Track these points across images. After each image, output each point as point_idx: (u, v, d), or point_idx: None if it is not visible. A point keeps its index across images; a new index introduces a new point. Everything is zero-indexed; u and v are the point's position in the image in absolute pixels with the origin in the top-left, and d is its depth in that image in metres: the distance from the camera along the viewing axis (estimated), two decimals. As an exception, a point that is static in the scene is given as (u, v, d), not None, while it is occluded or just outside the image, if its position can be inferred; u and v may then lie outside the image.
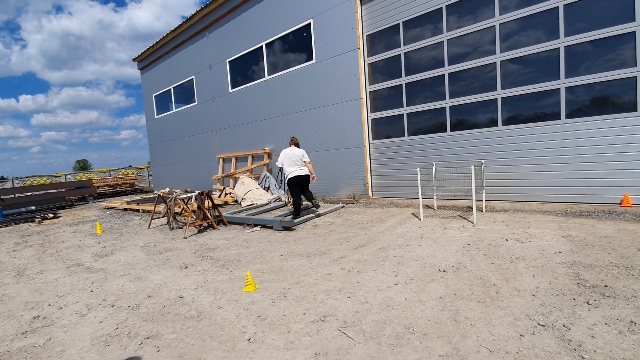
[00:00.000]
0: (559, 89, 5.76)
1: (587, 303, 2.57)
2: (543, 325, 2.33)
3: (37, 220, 9.53)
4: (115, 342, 2.54)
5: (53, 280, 4.20)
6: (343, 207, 7.67)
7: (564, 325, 2.30)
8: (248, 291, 3.28)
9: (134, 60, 16.42)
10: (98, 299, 3.44)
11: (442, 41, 6.82)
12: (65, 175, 20.27)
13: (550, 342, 2.14)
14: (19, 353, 2.48)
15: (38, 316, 3.12)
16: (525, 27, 6.01)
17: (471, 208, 6.09)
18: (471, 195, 5.17)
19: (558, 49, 5.71)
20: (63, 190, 14.37)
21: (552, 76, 5.82)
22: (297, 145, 6.70)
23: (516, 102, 6.20)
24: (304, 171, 6.39)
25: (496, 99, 6.35)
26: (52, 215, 10.30)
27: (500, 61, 6.24)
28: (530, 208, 5.81)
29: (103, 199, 16.00)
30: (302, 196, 6.53)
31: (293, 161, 6.36)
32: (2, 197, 11.43)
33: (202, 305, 3.05)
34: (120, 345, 2.48)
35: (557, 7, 5.61)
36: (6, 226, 9.22)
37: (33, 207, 11.79)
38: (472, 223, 5.11)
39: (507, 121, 6.33)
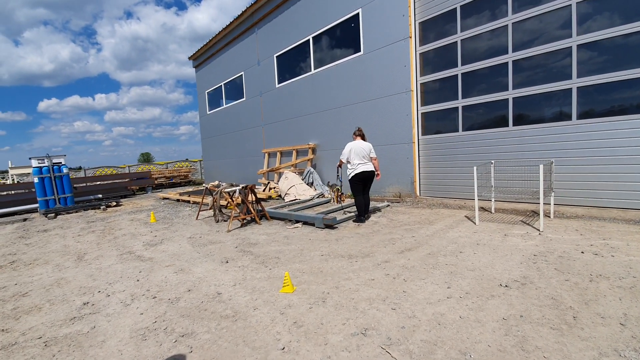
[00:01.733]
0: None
1: (699, 341, 2.04)
2: (638, 365, 1.87)
3: (102, 207, 10.39)
4: (152, 336, 2.53)
5: (106, 266, 4.43)
6: (388, 205, 7.29)
7: (669, 369, 1.82)
8: (285, 293, 3.13)
9: (189, 58, 17.27)
10: (142, 289, 3.52)
11: (507, 25, 6.10)
12: (128, 166, 22.08)
13: (653, 390, 1.69)
14: (64, 340, 2.57)
15: (87, 302, 3.25)
16: (605, 8, 5.14)
17: (535, 212, 5.41)
18: (535, 198, 4.52)
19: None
20: (126, 180, 15.63)
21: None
22: (363, 137, 6.06)
23: (596, 92, 5.35)
24: (370, 167, 5.82)
25: (571, 89, 5.53)
26: (115, 204, 11.18)
27: (577, 45, 5.41)
28: (610, 215, 4.99)
29: (160, 190, 17.15)
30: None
31: (361, 156, 5.75)
32: (75, 185, 12.68)
33: (239, 305, 2.95)
34: (156, 341, 2.45)
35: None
36: (76, 212, 10.18)
37: (100, 196, 12.95)
38: (538, 230, 4.49)
39: (583, 115, 5.49)
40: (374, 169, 5.88)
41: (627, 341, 2.09)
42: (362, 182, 5.86)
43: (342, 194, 7.76)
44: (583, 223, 4.76)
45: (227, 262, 4.22)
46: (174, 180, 19.36)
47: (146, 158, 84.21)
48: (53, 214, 9.53)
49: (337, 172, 6.67)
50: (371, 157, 5.87)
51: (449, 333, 2.29)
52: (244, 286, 3.38)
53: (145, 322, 2.77)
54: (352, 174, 5.81)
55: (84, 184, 14.18)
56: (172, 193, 12.83)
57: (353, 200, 6.29)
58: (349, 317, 2.60)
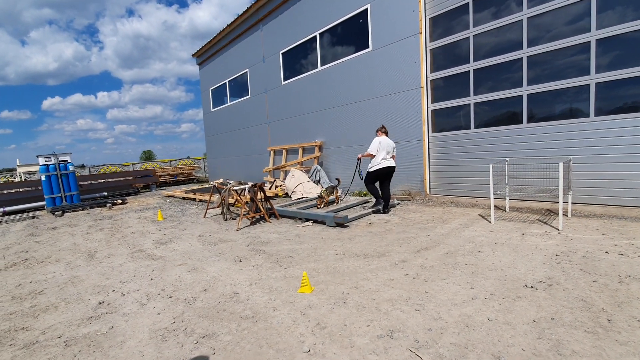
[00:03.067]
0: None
1: None
2: (679, 371, 1.79)
3: (108, 205, 10.36)
4: (172, 337, 2.47)
5: (118, 265, 4.38)
6: (398, 204, 7.21)
7: None
8: (304, 293, 3.07)
9: (193, 55, 17.18)
10: (157, 288, 3.46)
11: (522, 19, 5.98)
12: (132, 164, 22.08)
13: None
14: (84, 340, 2.51)
15: (103, 302, 3.20)
16: (625, 2, 5.03)
17: (551, 211, 5.34)
18: (554, 196, 4.43)
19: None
20: (130, 178, 15.61)
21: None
22: (387, 134, 6.40)
23: (615, 88, 5.23)
24: (392, 163, 6.16)
25: (588, 85, 5.42)
26: (120, 202, 11.15)
27: (596, 40, 5.30)
28: (631, 214, 4.89)
29: (164, 187, 17.12)
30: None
31: (386, 152, 6.09)
32: (80, 183, 12.65)
33: (257, 305, 2.89)
34: (177, 342, 2.39)
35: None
36: (83, 210, 10.15)
37: (105, 193, 12.93)
38: (558, 229, 4.40)
39: (601, 111, 5.38)
40: (395, 165, 6.22)
41: (665, 345, 2.01)
42: (380, 177, 6.20)
43: (324, 198, 7.17)
44: (603, 222, 4.66)
45: (241, 261, 4.17)
46: (177, 178, 19.34)
47: (148, 156, 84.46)
48: (60, 212, 9.50)
49: (357, 167, 6.64)
50: (394, 155, 6.26)
51: (478, 336, 2.22)
52: (260, 286, 3.32)
53: (164, 322, 2.71)
54: (375, 168, 6.11)
55: (89, 182, 14.16)
56: (177, 191, 12.80)
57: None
58: (372, 319, 2.53)
